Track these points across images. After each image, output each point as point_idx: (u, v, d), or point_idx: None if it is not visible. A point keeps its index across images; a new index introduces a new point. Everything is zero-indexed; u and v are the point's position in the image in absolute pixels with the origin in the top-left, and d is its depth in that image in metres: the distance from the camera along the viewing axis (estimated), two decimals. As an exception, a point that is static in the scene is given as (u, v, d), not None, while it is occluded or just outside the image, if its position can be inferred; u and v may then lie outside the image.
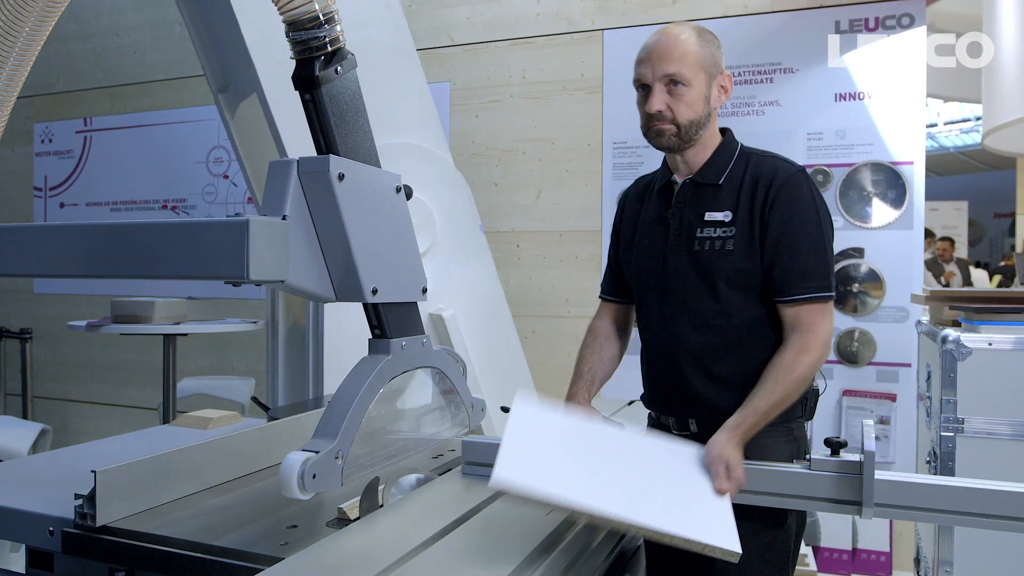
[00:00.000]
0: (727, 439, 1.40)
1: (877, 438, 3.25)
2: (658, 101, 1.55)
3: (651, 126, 1.59)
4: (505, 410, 1.75)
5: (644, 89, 1.59)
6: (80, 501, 1.29)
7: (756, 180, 1.58)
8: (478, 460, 1.59)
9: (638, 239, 1.70)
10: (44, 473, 1.62)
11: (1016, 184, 10.58)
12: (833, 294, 1.56)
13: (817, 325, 1.53)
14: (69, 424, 5.09)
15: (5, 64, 1.38)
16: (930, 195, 3.58)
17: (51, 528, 1.33)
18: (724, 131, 1.67)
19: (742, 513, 1.44)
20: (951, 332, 2.22)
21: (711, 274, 1.57)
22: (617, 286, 1.80)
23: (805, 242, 1.54)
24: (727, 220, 1.57)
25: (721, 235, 1.57)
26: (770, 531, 1.57)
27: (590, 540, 1.37)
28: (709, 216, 1.59)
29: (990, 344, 2.17)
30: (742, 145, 1.66)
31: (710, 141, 1.63)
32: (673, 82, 1.54)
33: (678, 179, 1.65)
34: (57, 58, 5.06)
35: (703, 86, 1.57)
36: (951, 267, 8.31)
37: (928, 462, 2.37)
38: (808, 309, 1.54)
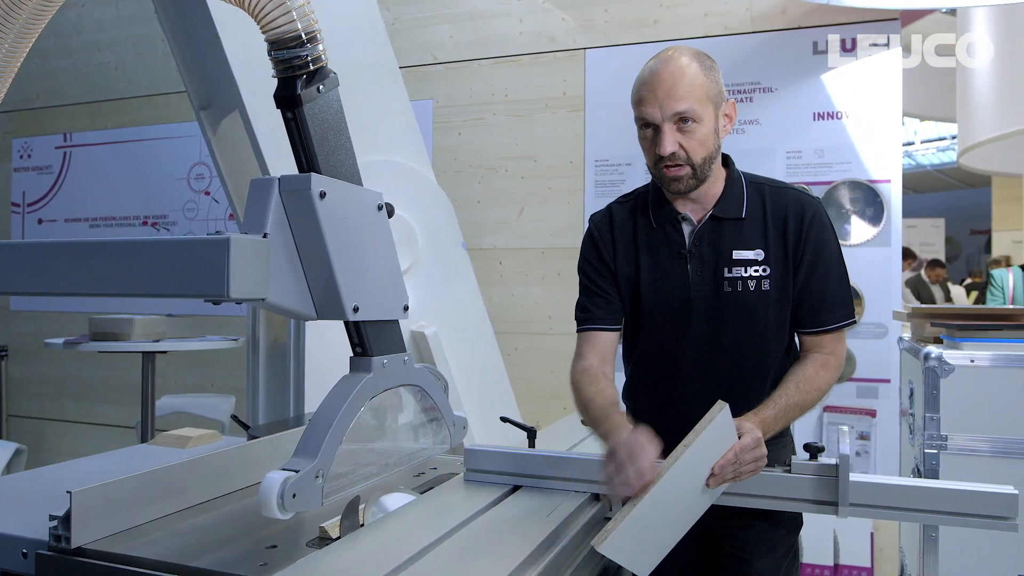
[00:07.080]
0: (752, 427, 1.37)
1: (857, 454, 3.31)
2: (670, 143, 1.46)
3: (665, 170, 1.50)
4: (505, 420, 1.75)
5: (650, 128, 1.49)
6: (55, 522, 1.26)
7: (783, 215, 1.54)
8: (481, 468, 1.60)
9: (646, 270, 1.60)
10: (18, 493, 1.59)
11: (992, 201, 10.80)
12: (855, 319, 1.58)
13: (838, 349, 1.57)
14: (45, 443, 5.01)
15: (-16, 80, 1.37)
16: (907, 212, 3.63)
17: (24, 550, 1.30)
18: (724, 156, 1.61)
19: (770, 521, 1.55)
20: (933, 349, 2.23)
21: (745, 314, 1.54)
22: (608, 311, 1.65)
23: (832, 275, 1.55)
24: (759, 259, 1.53)
25: (754, 275, 1.53)
26: (792, 536, 1.63)
27: (574, 557, 1.36)
28: (738, 255, 1.54)
29: (972, 361, 2.19)
30: (741, 171, 1.62)
31: (718, 172, 1.57)
32: (683, 119, 1.45)
33: (690, 215, 1.58)
34: (37, 73, 5.03)
35: (712, 119, 1.49)
36: (936, 288, 8.44)
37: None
38: (831, 336, 1.57)
